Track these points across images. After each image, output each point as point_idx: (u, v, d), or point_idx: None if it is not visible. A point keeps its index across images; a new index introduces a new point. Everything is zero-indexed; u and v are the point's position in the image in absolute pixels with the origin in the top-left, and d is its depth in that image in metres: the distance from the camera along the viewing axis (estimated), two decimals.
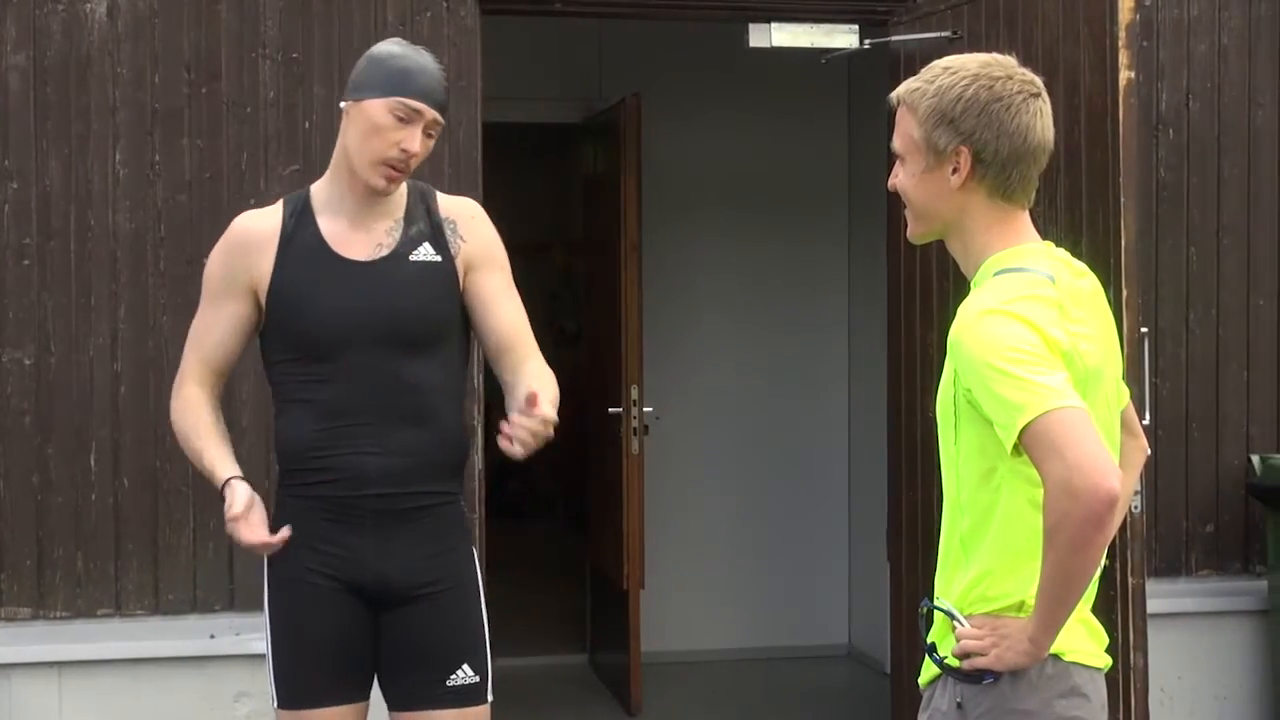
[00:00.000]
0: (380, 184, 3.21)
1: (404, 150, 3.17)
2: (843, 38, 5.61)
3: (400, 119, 3.17)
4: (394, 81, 3.18)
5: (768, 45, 5.58)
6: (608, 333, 6.92)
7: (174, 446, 5.09)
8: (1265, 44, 5.80)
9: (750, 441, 7.70)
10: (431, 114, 3.20)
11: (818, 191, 7.74)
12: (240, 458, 4.53)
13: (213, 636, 5.09)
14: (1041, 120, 2.56)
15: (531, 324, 3.38)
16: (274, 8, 5.21)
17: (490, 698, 3.33)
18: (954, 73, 2.55)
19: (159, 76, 5.16)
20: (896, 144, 2.62)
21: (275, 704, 3.29)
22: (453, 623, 3.27)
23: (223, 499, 3.16)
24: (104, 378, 5.13)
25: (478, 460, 5.12)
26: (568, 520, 10.74)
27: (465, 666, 3.27)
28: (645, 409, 6.68)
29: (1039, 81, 2.59)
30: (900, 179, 2.63)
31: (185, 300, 5.15)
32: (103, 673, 5.04)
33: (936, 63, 2.61)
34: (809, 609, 7.76)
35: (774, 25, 5.56)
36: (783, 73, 7.35)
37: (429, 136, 3.23)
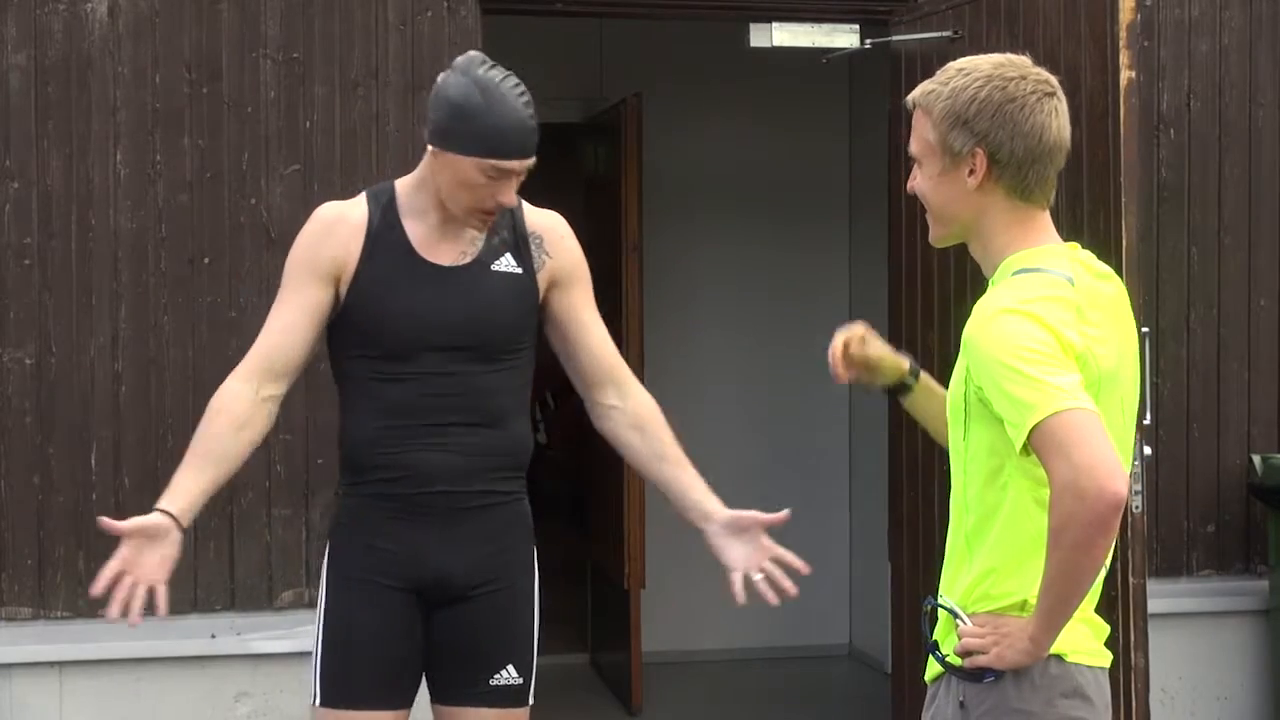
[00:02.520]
0: (477, 227, 3.25)
1: (500, 203, 3.20)
2: (844, 37, 5.61)
3: (493, 177, 3.17)
4: (486, 143, 3.14)
5: (769, 45, 5.58)
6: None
7: (175, 446, 5.13)
8: (1266, 44, 5.80)
9: (751, 441, 7.68)
10: (524, 165, 3.21)
11: (819, 191, 7.73)
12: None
13: (214, 636, 5.08)
14: (1057, 119, 2.55)
15: None
16: (275, 8, 5.21)
17: (531, 701, 3.34)
18: (968, 74, 2.55)
19: (160, 76, 5.16)
20: (913, 147, 2.62)
21: (316, 701, 3.28)
22: (503, 622, 3.31)
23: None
24: (105, 377, 5.12)
25: None
26: (568, 520, 10.72)
27: (510, 667, 3.30)
28: None
29: (1054, 80, 2.58)
30: (919, 182, 2.63)
31: (186, 300, 5.16)
32: (103, 672, 5.03)
33: (951, 64, 2.60)
34: (810, 609, 7.72)
35: (775, 25, 5.56)
36: (784, 73, 7.34)
37: (521, 178, 3.24)
